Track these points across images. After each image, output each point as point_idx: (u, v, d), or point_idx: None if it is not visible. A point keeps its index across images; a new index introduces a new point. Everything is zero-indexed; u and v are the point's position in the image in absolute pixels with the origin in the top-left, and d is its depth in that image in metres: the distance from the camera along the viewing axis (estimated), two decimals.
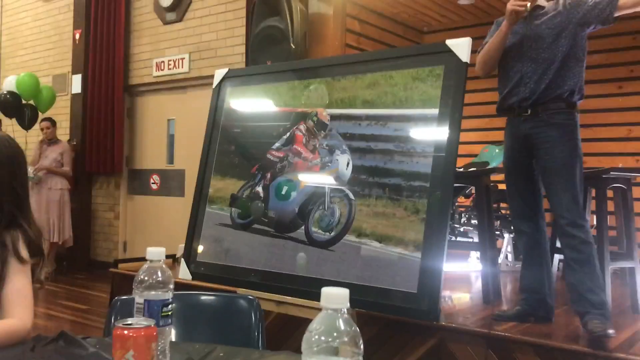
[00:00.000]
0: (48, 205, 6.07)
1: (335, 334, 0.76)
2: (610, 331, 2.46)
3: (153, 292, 1.12)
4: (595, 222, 3.40)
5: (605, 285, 2.84)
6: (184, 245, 3.49)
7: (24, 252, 1.48)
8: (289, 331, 3.04)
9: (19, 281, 1.45)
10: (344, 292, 0.77)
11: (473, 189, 4.42)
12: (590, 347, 2.48)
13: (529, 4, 2.70)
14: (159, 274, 1.14)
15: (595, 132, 5.47)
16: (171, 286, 1.15)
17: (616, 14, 2.68)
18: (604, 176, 3.31)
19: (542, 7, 2.82)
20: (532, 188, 2.93)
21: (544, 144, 2.76)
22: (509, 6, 2.73)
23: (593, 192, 3.54)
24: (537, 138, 2.78)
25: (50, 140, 6.27)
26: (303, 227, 2.98)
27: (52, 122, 6.30)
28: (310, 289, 2.77)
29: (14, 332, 1.40)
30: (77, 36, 6.88)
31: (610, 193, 3.50)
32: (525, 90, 2.78)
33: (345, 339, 0.75)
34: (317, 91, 3.15)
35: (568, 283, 2.73)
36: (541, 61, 2.75)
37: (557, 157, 2.72)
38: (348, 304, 0.77)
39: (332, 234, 2.86)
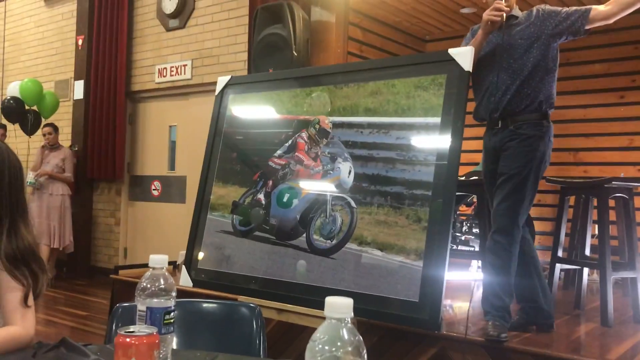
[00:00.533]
0: (49, 210, 6.07)
1: (339, 344, 0.75)
2: (503, 335, 2.58)
3: (155, 300, 1.12)
4: (597, 232, 3.39)
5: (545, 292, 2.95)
6: (184, 252, 3.48)
7: (5, 264, 1.46)
8: (289, 339, 3.03)
9: (15, 290, 1.45)
10: (348, 302, 0.76)
11: (475, 198, 4.42)
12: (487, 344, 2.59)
13: (505, 15, 2.72)
14: (162, 281, 1.14)
15: (596, 141, 5.47)
16: (173, 294, 1.15)
17: (587, 27, 2.72)
18: (605, 186, 3.31)
19: (516, 17, 2.84)
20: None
21: (504, 153, 2.78)
22: (485, 15, 2.75)
23: (595, 202, 3.53)
24: (501, 149, 2.80)
25: (52, 145, 6.27)
26: (304, 235, 2.98)
27: (55, 128, 6.31)
28: (311, 297, 2.76)
29: (16, 339, 1.40)
30: (80, 42, 6.90)
31: (612, 203, 3.49)
32: (494, 100, 2.78)
33: (349, 349, 0.75)
34: (319, 99, 3.15)
35: (482, 282, 2.87)
36: (511, 72, 2.76)
37: (512, 166, 2.72)
38: (352, 314, 0.77)
39: (334, 242, 2.86)
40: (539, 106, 2.76)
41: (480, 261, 3.98)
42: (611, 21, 2.71)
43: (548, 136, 2.77)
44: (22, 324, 1.44)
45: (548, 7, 2.81)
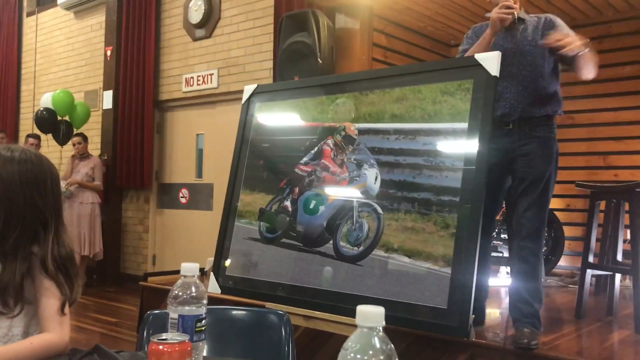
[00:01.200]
0: (79, 219, 6.18)
1: (370, 352, 0.75)
2: (534, 342, 2.50)
3: (187, 308, 1.13)
4: (629, 237, 3.32)
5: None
6: (212, 259, 3.52)
7: (51, 270, 1.49)
8: (317, 346, 3.03)
9: (54, 296, 1.48)
10: (380, 311, 0.77)
11: (503, 203, 4.37)
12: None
13: (516, 13, 2.67)
14: (193, 289, 1.15)
15: (627, 144, 5.37)
16: (205, 301, 1.16)
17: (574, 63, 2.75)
18: (637, 190, 3.24)
19: (524, 20, 2.81)
20: (494, 207, 2.89)
21: (523, 157, 2.72)
22: (494, 15, 2.69)
23: (626, 206, 3.47)
24: (516, 151, 2.74)
25: (82, 155, 6.39)
26: (331, 242, 2.99)
27: (84, 138, 6.43)
28: (338, 303, 2.76)
29: (52, 347, 1.43)
30: (109, 53, 7.03)
31: None
32: (506, 105, 2.74)
33: (381, 357, 0.75)
34: (344, 105, 3.16)
35: (510, 289, 2.78)
36: (521, 78, 2.74)
37: (535, 171, 2.68)
38: (384, 322, 0.77)
39: (361, 248, 2.85)
40: (550, 108, 2.77)
41: (509, 267, 3.94)
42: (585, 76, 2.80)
43: (556, 136, 2.82)
44: (58, 332, 1.46)
45: (558, 20, 2.79)
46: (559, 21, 2.79)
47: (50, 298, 1.47)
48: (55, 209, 1.55)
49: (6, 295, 1.44)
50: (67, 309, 1.51)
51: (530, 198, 2.70)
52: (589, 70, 2.74)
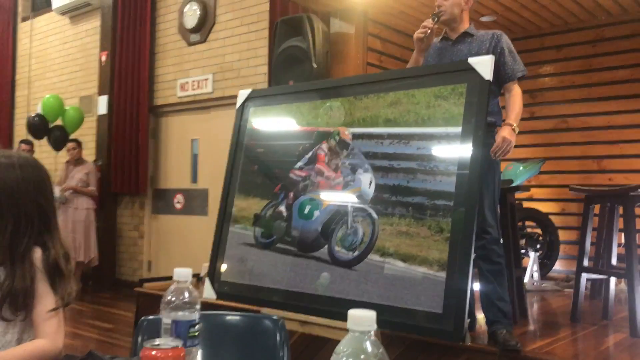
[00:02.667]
0: (74, 224, 6.16)
1: (362, 357, 0.75)
2: (518, 344, 2.60)
3: (180, 313, 1.13)
4: (623, 241, 3.34)
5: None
6: (207, 264, 3.51)
7: (51, 271, 1.50)
8: (313, 351, 3.02)
9: (49, 301, 1.47)
10: (371, 315, 0.77)
11: (498, 207, 4.37)
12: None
13: (429, 31, 2.88)
14: (186, 294, 1.15)
15: (622, 148, 5.39)
16: (198, 307, 1.16)
17: (506, 85, 2.87)
18: (631, 194, 3.26)
19: (472, 35, 2.96)
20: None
21: None
22: (414, 35, 2.93)
23: (620, 210, 3.48)
24: None
25: (77, 160, 6.38)
26: (326, 247, 2.98)
27: (78, 143, 6.42)
28: (334, 308, 2.76)
29: (44, 353, 1.42)
30: (104, 58, 7.03)
31: (638, 211, 3.44)
32: None
33: None
34: (338, 110, 3.16)
35: (481, 292, 2.84)
36: None
37: (484, 176, 2.75)
38: (375, 326, 0.77)
39: (356, 253, 2.85)
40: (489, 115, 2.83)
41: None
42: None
43: None
44: (52, 338, 1.46)
45: (504, 38, 2.90)
46: (504, 40, 2.90)
47: (44, 302, 1.47)
48: (53, 209, 1.57)
49: (18, 300, 1.43)
50: (61, 315, 1.50)
51: (484, 204, 2.80)
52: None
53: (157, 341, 1.03)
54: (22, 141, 7.05)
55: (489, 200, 2.82)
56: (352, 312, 0.77)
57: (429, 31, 2.86)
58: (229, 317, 1.77)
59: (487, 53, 2.83)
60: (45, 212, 1.53)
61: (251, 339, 1.73)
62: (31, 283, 1.45)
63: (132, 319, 4.46)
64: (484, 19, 5.48)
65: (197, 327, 1.15)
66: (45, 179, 1.58)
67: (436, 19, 2.88)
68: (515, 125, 2.74)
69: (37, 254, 1.49)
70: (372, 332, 0.77)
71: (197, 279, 4.49)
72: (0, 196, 1.47)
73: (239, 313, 1.80)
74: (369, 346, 0.76)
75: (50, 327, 1.46)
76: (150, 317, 1.69)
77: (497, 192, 2.90)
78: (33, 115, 6.86)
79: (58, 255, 1.53)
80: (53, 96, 6.81)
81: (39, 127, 6.74)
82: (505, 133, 2.71)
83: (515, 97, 2.84)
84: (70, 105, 6.98)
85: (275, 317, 1.73)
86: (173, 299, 1.14)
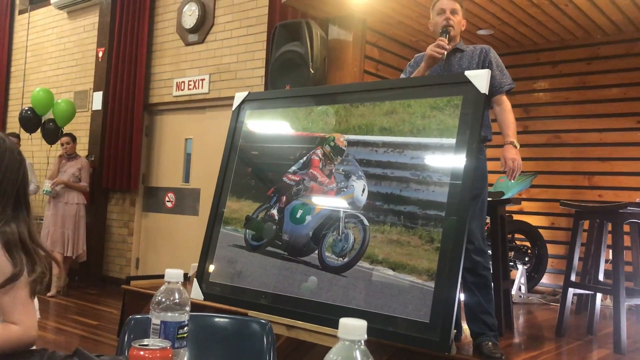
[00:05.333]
0: (64, 219, 6.13)
1: None
2: (502, 356, 2.61)
3: (170, 314, 1.13)
4: (611, 257, 3.36)
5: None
6: (196, 264, 3.50)
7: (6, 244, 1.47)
8: (299, 356, 3.02)
9: (7, 293, 1.44)
10: (362, 324, 0.77)
11: (488, 219, 4.40)
12: None
13: (445, 53, 2.88)
14: (177, 295, 1.15)
15: (612, 165, 5.43)
16: (187, 308, 1.16)
17: (494, 98, 2.89)
18: (620, 211, 3.29)
19: (462, 51, 3.00)
20: None
21: None
22: (428, 50, 2.91)
23: (609, 227, 3.51)
24: None
25: (70, 155, 6.34)
26: (316, 252, 2.99)
27: (72, 138, 6.39)
28: (322, 314, 2.76)
29: (16, 338, 1.39)
30: (100, 54, 7.01)
31: (626, 228, 3.47)
32: None
33: None
34: (334, 116, 3.18)
35: (466, 304, 2.84)
36: None
37: (475, 186, 2.78)
38: (365, 336, 0.78)
39: (346, 259, 2.86)
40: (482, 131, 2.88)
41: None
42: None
43: (485, 157, 2.97)
44: (23, 323, 1.43)
45: (492, 53, 2.96)
46: (492, 54, 2.95)
47: (13, 289, 1.44)
48: (6, 192, 1.53)
49: None
50: (29, 300, 1.47)
51: (474, 212, 2.81)
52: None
53: (146, 341, 1.03)
54: (9, 134, 7.01)
55: (476, 211, 2.82)
56: (343, 321, 0.78)
57: (445, 52, 2.88)
58: (216, 319, 1.77)
59: (477, 67, 2.87)
60: (7, 190, 1.51)
61: (238, 341, 1.73)
62: None
63: (118, 317, 4.44)
64: (481, 32, 5.51)
65: (185, 328, 1.15)
66: (8, 162, 1.54)
67: (446, 35, 2.90)
68: (515, 141, 2.78)
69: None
70: (363, 342, 0.78)
71: (185, 279, 4.48)
72: None
73: (227, 315, 1.80)
74: (358, 355, 0.77)
75: (18, 313, 1.43)
76: (138, 316, 1.68)
77: (485, 204, 2.91)
78: (26, 108, 6.83)
79: (20, 233, 1.50)
80: (43, 89, 6.79)
81: (31, 120, 6.71)
82: (511, 154, 2.78)
83: (507, 112, 2.87)
84: (62, 98, 6.95)
85: (262, 321, 1.73)
86: (163, 299, 1.14)
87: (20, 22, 8.40)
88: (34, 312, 1.48)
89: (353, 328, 0.77)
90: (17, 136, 6.92)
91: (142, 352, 1.00)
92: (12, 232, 1.49)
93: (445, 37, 2.89)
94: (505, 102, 2.90)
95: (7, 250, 1.46)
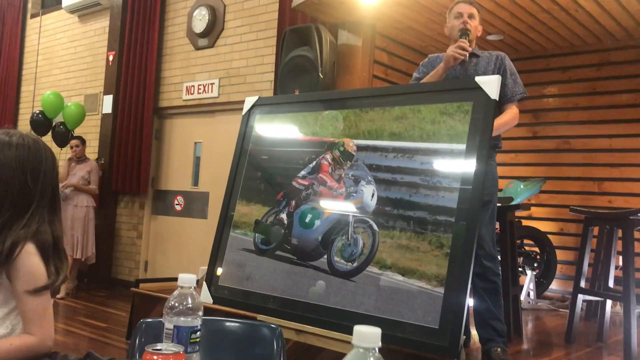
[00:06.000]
0: (73, 222, 6.16)
1: None
2: None
3: (182, 318, 1.14)
4: (621, 263, 3.35)
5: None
6: (205, 267, 3.52)
7: (35, 264, 1.47)
8: None
9: (31, 300, 1.45)
10: (376, 331, 0.78)
11: (497, 225, 4.39)
12: None
13: (467, 54, 2.91)
14: (189, 300, 1.16)
15: (622, 172, 5.41)
16: (200, 313, 1.17)
17: (504, 107, 2.91)
18: (631, 217, 3.27)
19: (478, 56, 3.02)
20: None
21: None
22: (450, 52, 2.92)
23: (619, 233, 3.49)
24: None
25: (79, 158, 6.39)
26: (325, 256, 2.99)
27: (82, 141, 6.43)
28: (330, 319, 2.76)
29: (31, 349, 1.41)
30: (111, 58, 7.05)
31: (637, 234, 3.45)
32: None
33: None
34: (344, 121, 3.18)
35: (475, 309, 2.85)
36: None
37: (486, 192, 2.78)
38: (380, 343, 0.78)
39: (355, 264, 2.86)
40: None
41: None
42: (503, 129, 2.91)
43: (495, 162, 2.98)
44: (40, 333, 1.44)
45: (507, 60, 2.99)
46: (507, 62, 2.98)
47: (32, 298, 1.45)
48: (46, 193, 1.54)
49: None
50: (50, 309, 1.48)
51: (484, 218, 2.82)
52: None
53: (159, 346, 1.04)
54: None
55: (486, 216, 2.82)
56: (358, 328, 0.78)
57: (467, 54, 2.90)
58: (227, 323, 1.78)
59: (493, 73, 2.87)
60: (33, 194, 1.51)
61: (248, 346, 1.73)
62: (3, 264, 1.43)
63: (127, 319, 4.45)
64: (490, 37, 5.51)
65: (198, 333, 1.16)
66: (43, 161, 1.55)
67: (466, 37, 2.92)
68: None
69: (20, 232, 1.47)
70: (377, 349, 0.78)
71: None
72: None
73: (237, 320, 1.80)
74: None
75: (35, 324, 1.44)
76: (149, 319, 1.69)
77: (494, 210, 2.91)
78: (37, 111, 6.88)
79: (54, 236, 1.52)
80: (53, 93, 6.84)
81: (42, 123, 6.76)
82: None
83: (507, 114, 2.89)
84: (73, 101, 7.00)
85: (273, 326, 1.74)
86: (176, 304, 1.15)
87: (32, 26, 8.47)
88: (52, 321, 1.49)
89: (368, 335, 0.77)
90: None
91: (155, 357, 1.01)
92: (47, 234, 1.50)
93: (466, 39, 2.91)
94: (514, 110, 2.90)
95: (43, 254, 1.48)
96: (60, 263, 1.53)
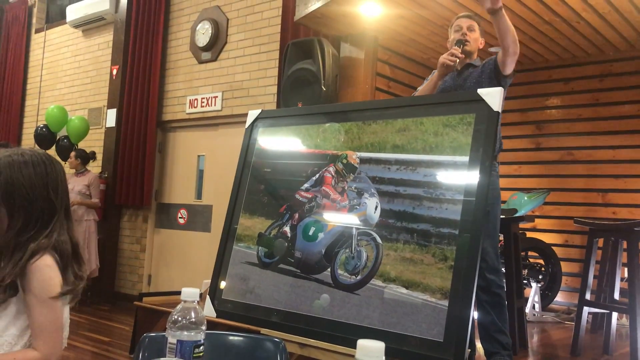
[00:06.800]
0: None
1: None
2: None
3: (186, 333, 1.14)
4: (626, 275, 3.33)
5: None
6: (208, 281, 3.50)
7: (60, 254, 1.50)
8: None
9: (40, 314, 1.46)
10: (380, 346, 0.77)
11: (501, 237, 4.38)
12: None
13: (458, 61, 2.95)
14: (193, 314, 1.16)
15: (626, 183, 5.40)
16: (204, 327, 1.17)
17: (502, 68, 2.88)
18: (636, 229, 3.26)
19: (476, 66, 3.06)
20: None
21: None
22: (441, 59, 2.99)
23: (624, 244, 3.47)
24: None
25: (78, 171, 6.36)
26: (329, 269, 2.98)
27: (78, 154, 6.38)
28: (334, 332, 2.75)
29: None
30: (115, 72, 7.10)
31: None
32: None
33: None
34: (346, 134, 3.19)
35: (480, 323, 2.83)
36: None
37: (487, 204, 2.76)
38: (383, 357, 0.77)
39: (358, 277, 2.85)
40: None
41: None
42: (511, 51, 2.82)
43: (498, 172, 2.98)
44: (45, 349, 1.44)
45: (494, 56, 3.01)
46: (494, 56, 2.99)
47: (38, 315, 1.45)
48: (64, 203, 1.61)
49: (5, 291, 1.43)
50: (59, 324, 1.48)
51: (486, 231, 2.80)
52: (506, 36, 2.80)
53: None
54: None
55: (489, 228, 2.82)
56: (362, 343, 0.78)
57: (458, 60, 2.95)
58: (230, 337, 1.77)
59: (482, 75, 2.92)
60: (55, 206, 1.56)
61: None
62: (21, 270, 1.44)
63: (130, 333, 4.44)
64: (493, 49, 5.52)
65: (201, 347, 1.16)
66: (58, 173, 1.61)
67: (461, 46, 2.95)
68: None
69: (41, 242, 1.49)
70: None
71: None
72: (14, 194, 1.50)
73: (241, 334, 1.80)
74: None
75: (41, 340, 1.44)
76: (152, 334, 1.69)
77: (498, 221, 2.90)
78: (41, 125, 6.92)
79: (72, 243, 1.55)
80: (57, 107, 6.89)
81: (46, 137, 6.79)
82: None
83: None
84: (77, 115, 7.03)
85: (276, 339, 1.73)
86: (179, 318, 1.15)
87: (36, 41, 8.54)
88: (60, 337, 1.49)
89: (371, 350, 0.77)
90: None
91: None
92: (67, 242, 1.53)
93: (460, 47, 2.96)
94: None
95: (62, 263, 1.50)
96: (80, 268, 1.56)
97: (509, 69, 2.88)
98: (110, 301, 6.69)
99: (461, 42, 2.98)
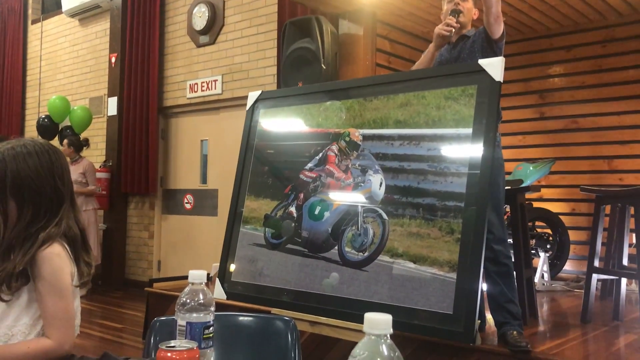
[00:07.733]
0: None
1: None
2: (528, 345, 2.58)
3: (195, 315, 1.14)
4: (634, 241, 3.32)
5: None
6: (217, 264, 3.53)
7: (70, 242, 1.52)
8: (323, 351, 3.03)
9: (52, 303, 1.47)
10: (387, 318, 0.77)
11: (507, 208, 4.37)
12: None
13: (453, 30, 2.93)
14: (201, 296, 1.16)
15: (632, 148, 5.36)
16: (212, 308, 1.17)
17: (490, 26, 2.84)
18: None
19: (469, 37, 3.01)
20: None
21: None
22: (436, 29, 2.97)
23: (632, 210, 3.46)
24: None
25: (72, 159, 6.26)
26: (336, 247, 2.99)
27: (70, 141, 6.26)
28: (344, 309, 2.77)
29: (48, 353, 1.43)
30: (113, 60, 7.07)
31: None
32: None
33: None
34: (348, 111, 3.17)
35: (489, 294, 2.82)
36: None
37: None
38: (391, 330, 0.77)
39: (366, 254, 2.86)
40: None
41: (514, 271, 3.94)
42: (494, 10, 2.80)
43: (500, 143, 2.93)
44: (57, 337, 1.45)
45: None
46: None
47: (50, 303, 1.46)
48: (70, 191, 1.62)
49: (11, 280, 1.44)
50: (71, 312, 1.49)
51: (491, 202, 2.78)
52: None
53: (172, 343, 1.04)
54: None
55: (493, 200, 2.80)
56: (369, 316, 0.78)
57: (453, 30, 2.92)
58: (241, 318, 1.78)
59: (474, 43, 2.90)
60: (63, 194, 1.57)
61: (263, 339, 1.74)
62: (30, 259, 1.45)
63: (142, 319, 4.48)
64: None
65: (211, 328, 1.16)
66: (62, 161, 1.61)
67: (457, 15, 2.92)
68: None
69: (51, 231, 1.50)
70: (388, 336, 0.78)
71: (207, 279, 4.50)
72: (22, 186, 1.50)
73: (251, 314, 1.81)
74: (385, 349, 0.77)
75: (53, 328, 1.46)
76: (163, 317, 1.70)
77: (502, 192, 2.88)
78: (43, 116, 6.91)
79: (80, 229, 1.57)
80: (59, 97, 6.87)
81: (49, 127, 6.79)
82: None
83: None
84: (79, 105, 7.02)
85: (286, 318, 1.74)
86: (188, 300, 1.15)
87: (33, 32, 8.50)
88: (72, 325, 1.50)
89: (378, 322, 0.77)
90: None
91: (169, 354, 1.01)
92: (75, 229, 1.54)
93: (455, 17, 2.92)
94: None
95: (74, 251, 1.51)
96: (88, 256, 1.57)
97: (497, 30, 2.84)
98: (121, 288, 6.75)
99: (456, 12, 2.94)
